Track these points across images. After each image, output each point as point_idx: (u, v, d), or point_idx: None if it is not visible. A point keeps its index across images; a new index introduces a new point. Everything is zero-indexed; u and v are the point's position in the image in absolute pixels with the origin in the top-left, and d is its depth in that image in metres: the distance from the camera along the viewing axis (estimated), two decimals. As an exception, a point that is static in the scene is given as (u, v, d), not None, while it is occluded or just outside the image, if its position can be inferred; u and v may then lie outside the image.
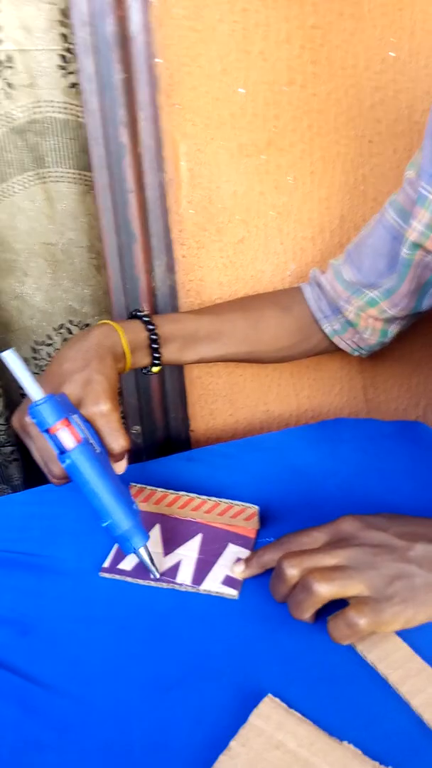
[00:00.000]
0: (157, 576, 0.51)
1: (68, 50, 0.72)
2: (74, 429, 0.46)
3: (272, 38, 0.64)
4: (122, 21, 0.61)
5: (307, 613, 0.44)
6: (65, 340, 0.89)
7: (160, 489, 0.58)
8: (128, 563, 0.54)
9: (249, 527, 0.57)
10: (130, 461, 0.76)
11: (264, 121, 0.68)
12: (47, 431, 0.46)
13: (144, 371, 0.63)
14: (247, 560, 0.51)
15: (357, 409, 0.86)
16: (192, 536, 0.56)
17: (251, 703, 0.41)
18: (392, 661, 0.43)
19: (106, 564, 0.54)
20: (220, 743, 0.39)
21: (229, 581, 0.51)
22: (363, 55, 0.67)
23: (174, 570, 0.53)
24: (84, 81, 0.65)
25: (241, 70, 0.66)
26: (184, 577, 0.52)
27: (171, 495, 0.58)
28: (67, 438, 0.46)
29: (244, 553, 0.54)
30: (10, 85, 0.76)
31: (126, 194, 0.68)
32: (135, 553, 0.49)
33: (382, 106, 0.70)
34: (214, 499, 0.56)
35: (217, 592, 0.51)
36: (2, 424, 0.94)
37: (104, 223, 0.70)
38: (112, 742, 0.40)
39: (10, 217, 0.84)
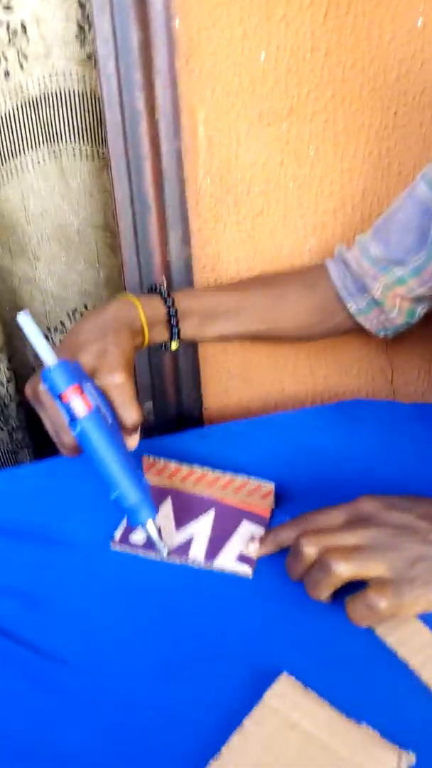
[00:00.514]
0: (164, 553, 0.49)
1: (86, 18, 0.70)
2: (86, 397, 0.45)
3: (295, 3, 0.62)
4: (141, -20, 0.59)
5: (324, 593, 0.42)
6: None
7: (173, 462, 0.56)
8: (139, 536, 0.52)
9: (264, 505, 0.55)
10: (141, 437, 0.75)
11: (286, 88, 0.66)
12: (59, 397, 0.45)
13: (162, 347, 0.62)
14: (262, 538, 0.50)
15: (375, 392, 0.84)
16: (205, 512, 0.55)
17: (265, 681, 0.40)
18: (413, 645, 0.42)
19: (117, 536, 0.53)
20: (232, 722, 0.37)
21: (242, 559, 0.50)
22: (389, 24, 0.64)
23: (186, 546, 0.51)
24: (100, 44, 0.63)
25: (262, 36, 0.63)
26: (197, 553, 0.51)
27: (185, 469, 0.56)
28: (79, 405, 0.44)
29: (259, 531, 0.53)
30: (23, 55, 0.74)
31: (141, 162, 0.66)
32: (142, 526, 0.48)
33: (408, 78, 0.67)
34: (229, 474, 0.55)
35: (230, 570, 0.49)
36: (14, 410, 0.93)
37: (118, 192, 0.68)
38: (120, 717, 0.39)
39: (21, 197, 0.82)
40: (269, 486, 0.54)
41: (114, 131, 0.66)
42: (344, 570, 0.41)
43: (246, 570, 0.49)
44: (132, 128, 0.66)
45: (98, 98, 0.74)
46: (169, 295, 0.59)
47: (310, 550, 0.43)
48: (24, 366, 0.94)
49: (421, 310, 0.65)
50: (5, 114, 0.77)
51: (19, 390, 0.93)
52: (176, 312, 0.59)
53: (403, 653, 0.41)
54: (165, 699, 0.40)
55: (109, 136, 0.67)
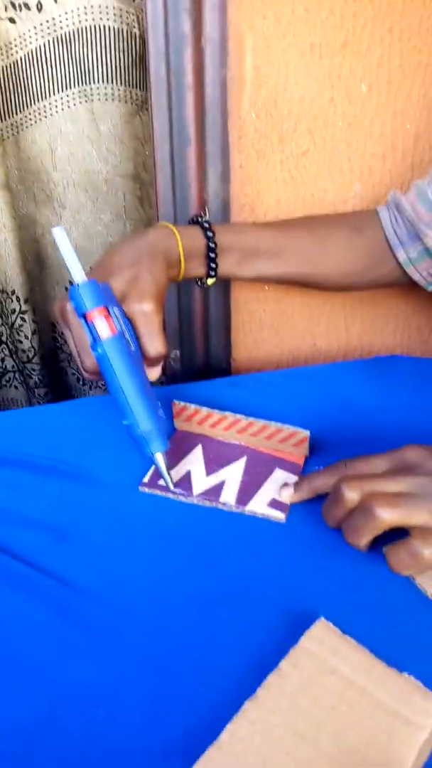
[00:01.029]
0: (172, 487, 0.49)
1: None
2: (111, 320, 0.44)
3: None
4: None
5: (364, 539, 0.41)
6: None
7: (204, 408, 0.54)
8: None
9: (297, 453, 0.53)
10: (168, 383, 0.73)
11: (341, 19, 0.62)
12: (84, 317, 0.44)
13: (198, 283, 0.60)
14: (297, 484, 0.48)
15: (410, 350, 0.82)
16: (237, 459, 0.53)
17: (301, 626, 0.38)
18: (455, 596, 0.40)
19: (146, 479, 0.51)
20: (267, 663, 0.36)
21: (275, 504, 0.48)
22: None
23: (217, 489, 0.50)
24: (147, -40, 0.59)
25: (321, -41, 0.59)
26: (228, 496, 0.49)
27: (216, 415, 0.54)
28: (103, 327, 0.44)
29: (292, 478, 0.51)
30: None
31: (184, 91, 0.63)
32: (151, 457, 0.47)
33: (473, 11, 0.62)
34: (262, 421, 0.53)
35: (263, 514, 0.48)
36: (36, 364, 0.91)
37: (156, 123, 0.65)
38: (149, 653, 0.38)
39: (48, 140, 0.78)
40: (304, 433, 0.52)
41: (157, 58, 0.63)
42: (388, 516, 0.39)
43: (279, 515, 0.47)
44: (176, 54, 0.62)
45: (134, 36, 0.70)
46: (210, 227, 0.57)
47: (352, 494, 0.41)
48: (46, 321, 0.93)
49: None
50: (36, 50, 0.74)
51: (43, 344, 0.91)
52: (216, 245, 0.56)
53: (445, 605, 0.40)
54: (197, 637, 0.39)
55: (151, 63, 0.63)
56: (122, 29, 0.72)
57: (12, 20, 0.72)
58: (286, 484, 0.49)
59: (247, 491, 0.50)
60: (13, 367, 0.97)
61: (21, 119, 0.78)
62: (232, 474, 0.51)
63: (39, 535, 0.46)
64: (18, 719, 0.35)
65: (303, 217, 0.65)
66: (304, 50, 0.63)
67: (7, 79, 0.76)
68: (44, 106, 0.78)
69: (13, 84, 0.76)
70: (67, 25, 0.73)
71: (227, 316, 0.76)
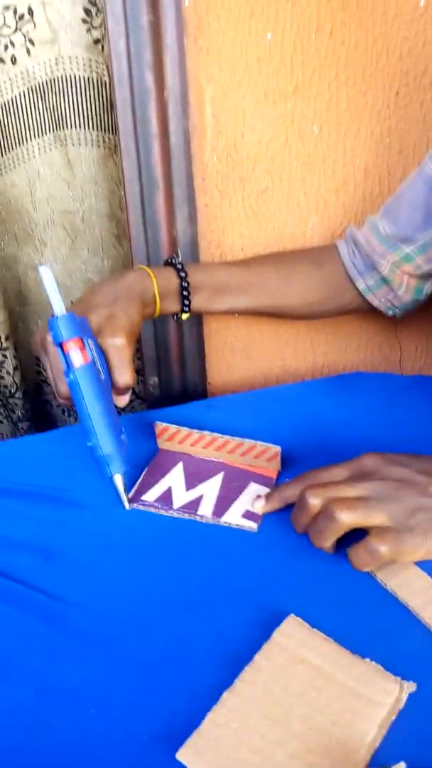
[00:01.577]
0: (127, 507, 0.53)
1: (92, 2, 0.70)
2: (85, 350, 0.48)
3: (302, -18, 0.64)
4: (152, -40, 0.61)
5: (328, 541, 0.45)
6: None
7: (184, 428, 0.58)
8: (151, 495, 0.54)
9: (270, 468, 0.57)
10: (148, 407, 0.77)
11: (291, 68, 0.68)
12: (60, 345, 0.48)
13: (174, 317, 0.64)
14: (268, 495, 0.52)
15: (374, 367, 0.87)
16: (215, 474, 0.57)
17: (273, 623, 0.42)
18: (412, 589, 0.44)
19: (130, 495, 0.55)
20: (243, 659, 0.40)
21: (249, 515, 0.52)
22: (393, 4, 0.66)
23: (196, 503, 0.54)
24: (111, 23, 0.64)
25: (269, 15, 0.65)
26: (206, 509, 0.53)
27: (195, 434, 0.58)
28: (76, 356, 0.48)
29: (265, 491, 0.55)
30: (30, 40, 0.74)
31: (150, 139, 0.68)
32: (110, 478, 0.51)
33: (411, 58, 0.69)
34: (237, 438, 0.57)
35: (237, 525, 0.51)
36: (19, 399, 0.94)
37: (127, 170, 0.70)
38: (135, 654, 0.42)
39: (27, 183, 0.82)
40: (275, 449, 0.56)
41: (123, 110, 0.68)
42: (347, 518, 0.43)
43: (252, 525, 0.51)
44: (141, 106, 0.67)
45: (104, 84, 0.75)
46: (183, 268, 0.62)
47: (315, 501, 0.45)
48: (29, 356, 0.96)
49: (428, 287, 0.67)
50: (12, 100, 0.78)
51: (25, 379, 0.95)
52: (188, 284, 0.61)
53: (403, 596, 0.43)
54: (179, 636, 0.42)
55: (119, 115, 0.68)
56: (92, 78, 0.76)
57: (-13, 73, 0.76)
58: (258, 496, 0.53)
59: (223, 504, 0.53)
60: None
61: (1, 164, 0.83)
62: (210, 488, 0.55)
63: (28, 556, 0.50)
64: (16, 719, 0.38)
65: (268, 254, 0.71)
66: (259, 97, 0.69)
67: (-14, 127, 0.80)
68: (22, 151, 0.81)
69: (-8, 131, 0.80)
70: (41, 76, 0.77)
71: (201, 344, 0.81)
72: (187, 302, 0.62)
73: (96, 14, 0.71)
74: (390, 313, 0.70)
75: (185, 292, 0.62)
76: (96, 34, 0.72)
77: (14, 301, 0.92)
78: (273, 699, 0.37)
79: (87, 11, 0.72)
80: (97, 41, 0.72)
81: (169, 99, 0.67)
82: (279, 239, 0.76)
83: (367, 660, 0.39)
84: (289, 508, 0.50)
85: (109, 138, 0.79)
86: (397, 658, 0.40)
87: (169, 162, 0.69)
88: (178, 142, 0.69)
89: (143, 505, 0.54)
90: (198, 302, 0.64)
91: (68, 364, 0.48)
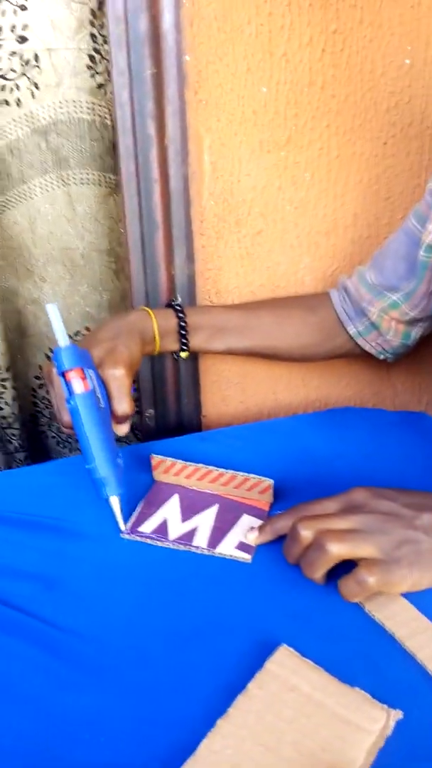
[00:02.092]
0: (123, 529, 0.55)
1: (96, 50, 0.74)
2: (86, 379, 0.51)
3: (295, 41, 0.68)
4: (155, 19, 0.65)
5: (319, 572, 0.47)
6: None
7: (179, 461, 0.61)
8: (148, 526, 0.56)
9: (263, 500, 0.59)
10: (144, 440, 0.79)
11: (285, 119, 0.72)
12: (62, 375, 0.51)
13: (174, 356, 0.67)
14: (261, 527, 0.54)
15: (363, 402, 0.89)
16: (209, 506, 0.59)
17: (265, 653, 0.43)
18: (399, 620, 0.46)
19: (127, 526, 0.56)
20: (237, 686, 0.41)
21: (242, 546, 0.54)
22: (380, 62, 0.70)
23: (191, 534, 0.55)
24: (116, 74, 0.68)
25: (265, 70, 0.69)
26: (200, 541, 0.55)
27: (190, 467, 0.60)
28: (78, 385, 0.51)
29: (258, 523, 0.57)
30: (35, 84, 0.78)
31: (151, 184, 0.72)
32: (106, 500, 0.54)
33: (397, 111, 0.73)
34: (231, 471, 0.59)
35: (230, 556, 0.53)
36: (16, 429, 0.96)
37: (128, 212, 0.73)
38: (132, 682, 0.43)
39: (29, 220, 0.85)
40: (268, 482, 0.58)
41: (126, 155, 0.71)
42: (337, 549, 0.45)
43: (245, 556, 0.53)
44: (143, 153, 0.71)
45: (106, 126, 0.78)
46: (182, 309, 0.65)
47: (306, 533, 0.47)
48: (26, 387, 0.98)
49: (415, 332, 0.70)
50: (16, 140, 0.81)
51: (23, 410, 0.96)
52: (186, 325, 0.65)
53: (390, 626, 0.45)
54: (175, 665, 0.44)
55: (122, 160, 0.72)
56: (95, 120, 0.79)
57: (-7, 114, 0.80)
58: (252, 528, 0.55)
59: (217, 536, 0.55)
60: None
61: (3, 201, 0.85)
62: (205, 520, 0.57)
63: (29, 585, 0.51)
64: (18, 746, 0.39)
65: (265, 300, 0.75)
66: (254, 146, 0.73)
67: (-10, 165, 0.83)
68: (24, 189, 0.84)
69: (-5, 170, 0.83)
70: (44, 118, 0.80)
71: (196, 378, 0.83)
72: (185, 341, 0.66)
73: (100, 61, 0.75)
74: (382, 357, 0.73)
75: (183, 332, 0.65)
76: (99, 79, 0.75)
77: (14, 333, 0.94)
78: (265, 726, 0.39)
79: (92, 58, 0.75)
80: (100, 86, 0.76)
81: (169, 146, 0.71)
82: (272, 279, 0.79)
83: (356, 688, 0.41)
84: (281, 539, 0.51)
85: (109, 178, 0.82)
86: (384, 686, 0.41)
87: (169, 205, 0.73)
88: (177, 186, 0.72)
89: (140, 536, 0.55)
90: (196, 342, 0.67)
91: (70, 391, 0.51)
